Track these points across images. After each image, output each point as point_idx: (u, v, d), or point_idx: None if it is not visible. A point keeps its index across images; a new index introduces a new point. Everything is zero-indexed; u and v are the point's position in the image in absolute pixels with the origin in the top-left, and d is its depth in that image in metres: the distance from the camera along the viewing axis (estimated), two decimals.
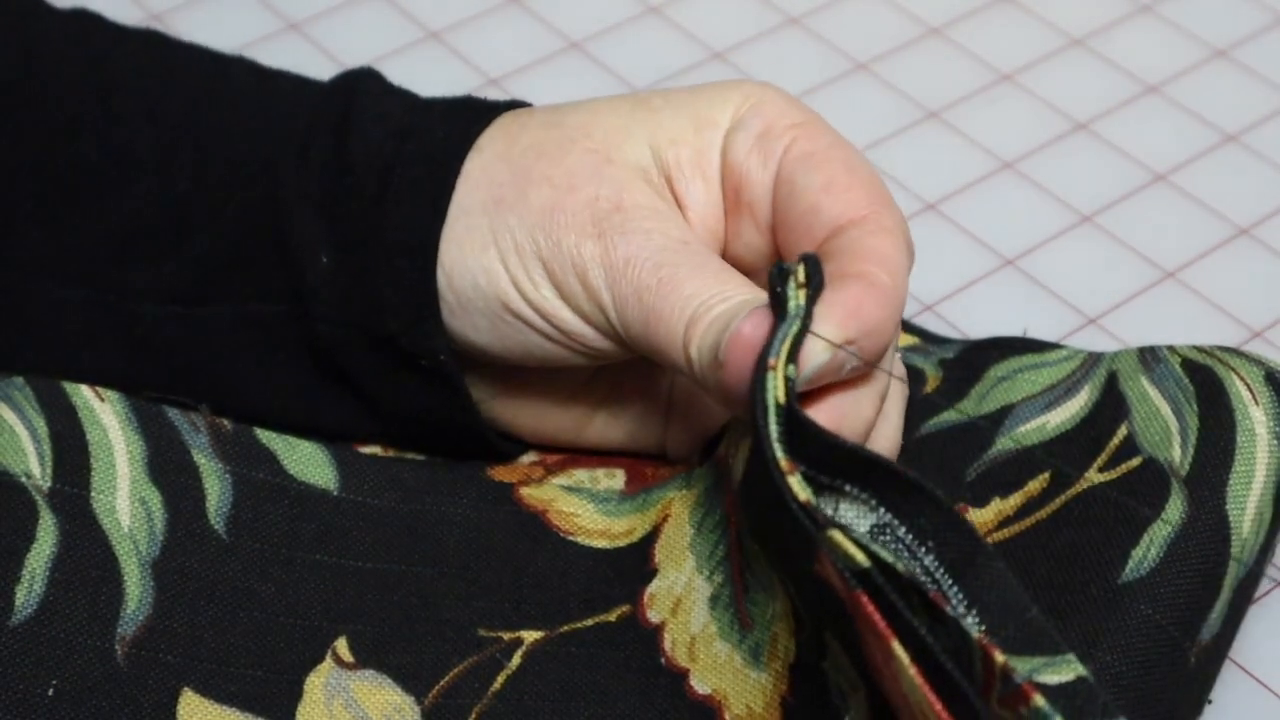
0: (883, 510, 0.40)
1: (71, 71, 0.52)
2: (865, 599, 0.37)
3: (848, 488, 0.40)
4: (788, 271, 0.42)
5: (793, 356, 0.41)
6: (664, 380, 0.51)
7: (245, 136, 0.50)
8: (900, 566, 0.37)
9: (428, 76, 0.68)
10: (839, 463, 0.40)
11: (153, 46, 0.53)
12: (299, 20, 0.71)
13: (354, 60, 0.69)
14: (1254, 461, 0.48)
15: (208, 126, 0.51)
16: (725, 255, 0.49)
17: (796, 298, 0.42)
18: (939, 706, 0.36)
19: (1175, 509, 0.47)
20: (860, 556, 0.38)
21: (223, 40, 0.69)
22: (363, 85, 0.51)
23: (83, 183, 0.51)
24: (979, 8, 0.72)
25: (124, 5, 0.70)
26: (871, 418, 0.45)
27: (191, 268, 0.50)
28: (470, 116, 0.49)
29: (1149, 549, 0.46)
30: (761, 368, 0.41)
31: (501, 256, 0.47)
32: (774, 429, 0.40)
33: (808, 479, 0.39)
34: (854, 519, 0.40)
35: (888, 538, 0.39)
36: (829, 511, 0.40)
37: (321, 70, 0.68)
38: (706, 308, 0.44)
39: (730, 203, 0.48)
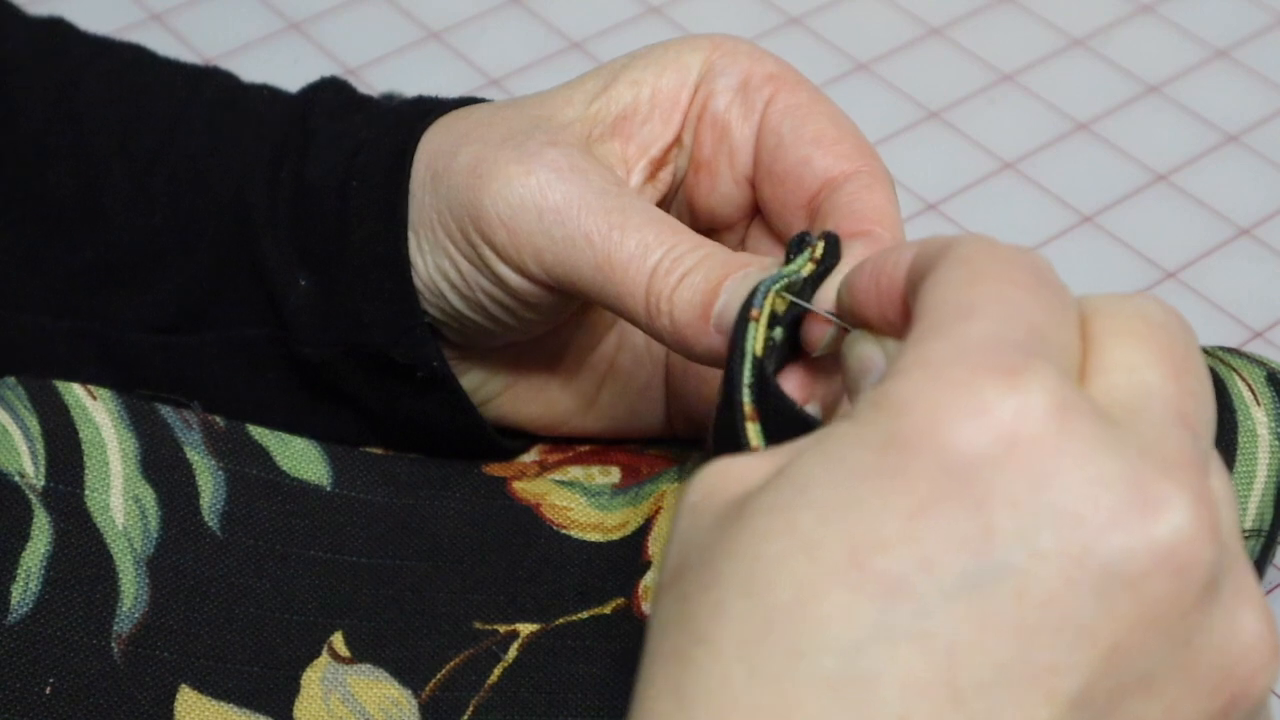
0: None
1: (42, 98, 0.52)
2: None
3: None
4: (807, 245, 0.43)
5: (778, 318, 0.41)
6: (658, 350, 0.51)
7: (217, 163, 0.50)
8: None
9: (428, 76, 0.68)
10: (788, 432, 0.40)
11: (123, 68, 0.53)
12: (299, 20, 0.71)
13: (354, 60, 0.69)
14: (1255, 462, 0.48)
15: (179, 155, 0.50)
16: (699, 207, 0.49)
17: (800, 265, 0.42)
18: None
19: None
20: None
21: (223, 40, 0.70)
22: (322, 102, 0.50)
23: (57, 216, 0.50)
24: (979, 8, 0.71)
25: (124, 5, 0.70)
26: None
27: (173, 296, 0.49)
28: (417, 116, 0.48)
29: None
30: (744, 317, 0.41)
31: (446, 232, 0.46)
32: (747, 375, 0.40)
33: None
34: None
35: None
36: None
37: (321, 71, 0.67)
38: (674, 258, 0.44)
39: (707, 153, 0.48)
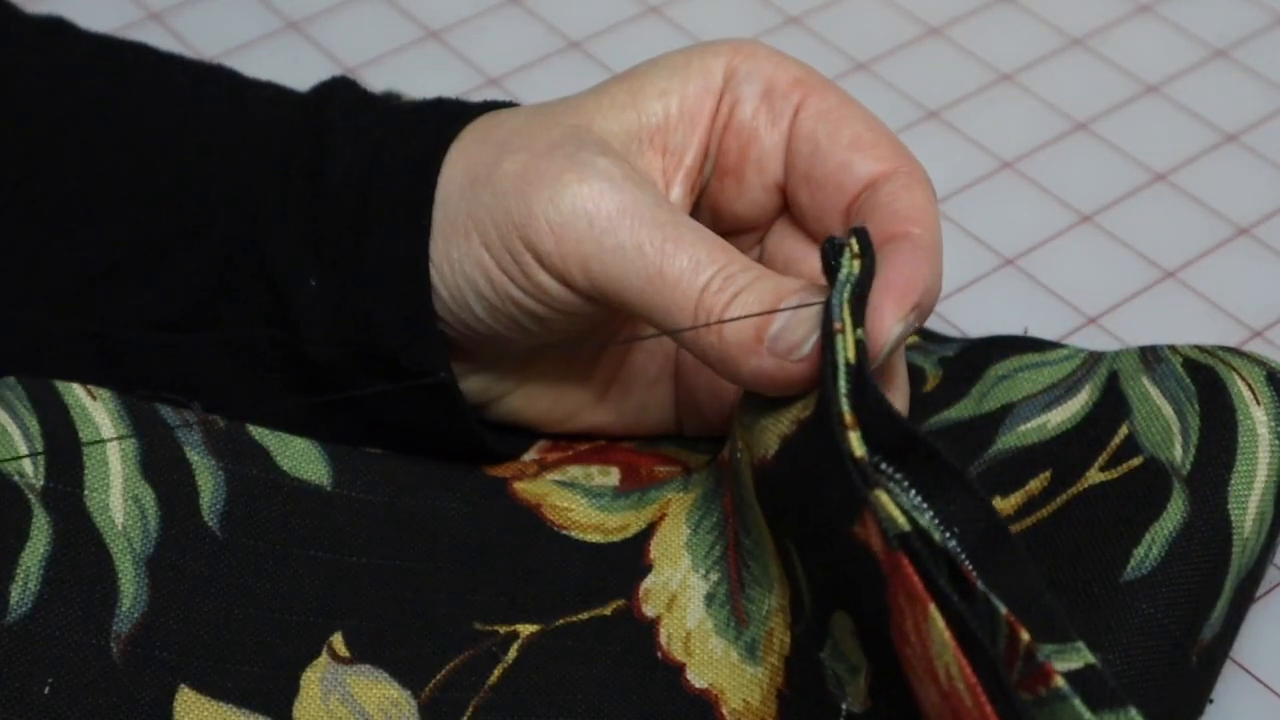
0: (913, 493, 0.40)
1: (44, 96, 0.51)
2: (906, 561, 0.38)
3: (884, 465, 0.40)
4: (842, 245, 0.43)
5: (858, 321, 0.41)
6: (669, 345, 0.51)
7: (222, 161, 0.50)
8: (936, 536, 0.38)
9: (428, 76, 0.68)
10: (882, 437, 0.40)
11: (126, 66, 0.52)
12: (299, 20, 0.71)
13: (354, 60, 0.69)
14: (1256, 461, 0.48)
15: (184, 152, 0.50)
16: (723, 213, 0.49)
17: (850, 266, 0.42)
18: (969, 670, 0.36)
19: (1177, 508, 0.47)
20: (902, 520, 0.38)
21: (223, 40, 0.70)
22: (337, 99, 0.50)
23: (60, 214, 0.50)
24: (979, 8, 0.71)
25: (123, 4, 0.70)
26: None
27: (174, 295, 0.49)
28: (444, 120, 0.48)
29: (1151, 548, 0.46)
30: (828, 332, 0.41)
31: (483, 240, 0.46)
32: (843, 385, 0.40)
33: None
34: None
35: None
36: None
37: (321, 70, 0.68)
38: (727, 277, 0.44)
39: (732, 161, 0.48)
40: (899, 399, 0.47)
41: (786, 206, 0.49)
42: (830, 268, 0.43)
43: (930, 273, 0.44)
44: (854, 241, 0.43)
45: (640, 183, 0.45)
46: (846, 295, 0.42)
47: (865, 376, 0.41)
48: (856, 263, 0.43)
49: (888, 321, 0.43)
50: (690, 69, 0.48)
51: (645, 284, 0.44)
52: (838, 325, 0.41)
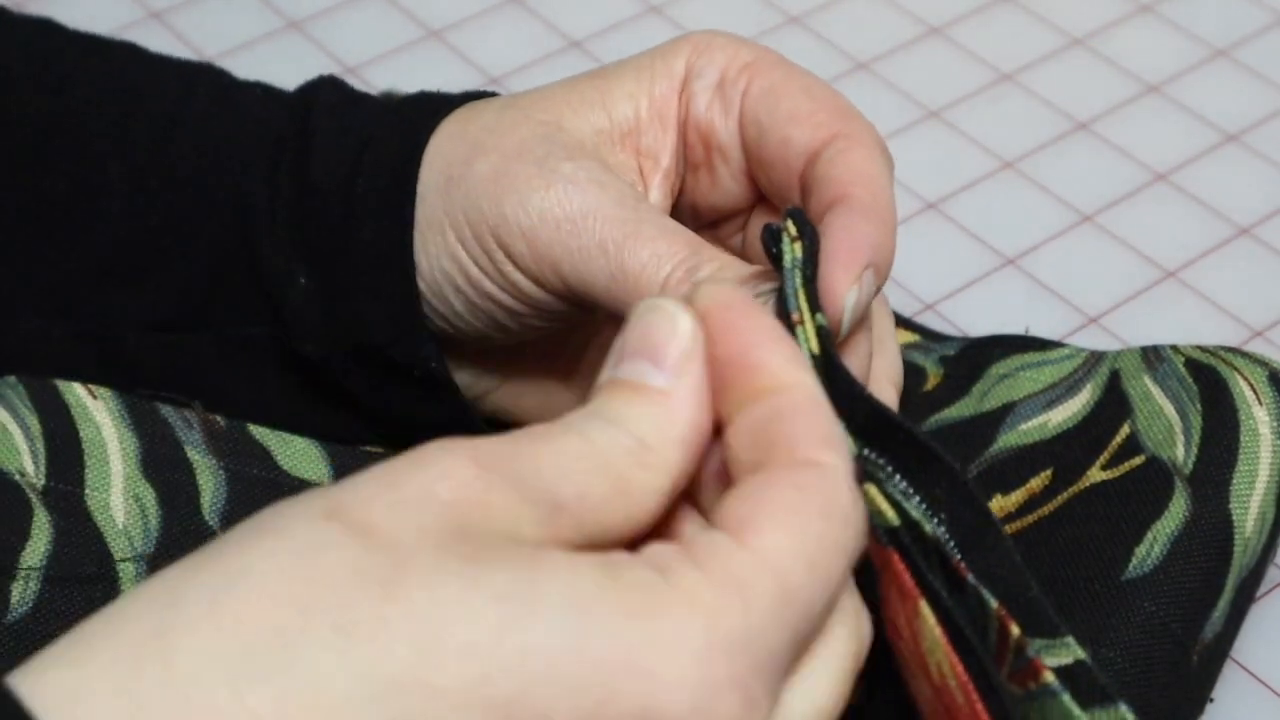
0: (898, 478, 0.39)
1: (36, 101, 0.51)
2: (896, 557, 0.37)
3: (866, 451, 0.40)
4: (778, 230, 0.42)
5: (815, 306, 0.41)
6: None
7: (214, 163, 0.50)
8: (928, 528, 0.38)
9: (428, 76, 0.68)
10: (861, 423, 0.39)
11: (116, 69, 0.52)
12: (299, 19, 0.71)
13: (354, 59, 0.69)
14: (1257, 461, 0.48)
15: (175, 154, 0.50)
16: (702, 206, 0.49)
17: (793, 250, 0.42)
18: (960, 668, 0.36)
19: (1178, 508, 0.47)
20: (891, 514, 0.38)
21: (223, 40, 0.70)
22: (321, 99, 0.50)
23: (53, 217, 0.50)
24: (979, 8, 0.71)
25: (124, 3, 0.70)
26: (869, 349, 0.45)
27: (170, 295, 0.49)
28: (423, 116, 0.48)
29: (1152, 547, 0.46)
30: (787, 325, 0.40)
31: (458, 236, 0.46)
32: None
33: None
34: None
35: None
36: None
37: (321, 70, 0.67)
38: (687, 270, 0.44)
39: (700, 155, 0.48)
40: (891, 377, 0.46)
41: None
42: (773, 256, 0.42)
43: (875, 229, 0.43)
44: (790, 224, 0.42)
45: (605, 182, 0.45)
46: (798, 282, 0.41)
47: (834, 365, 0.40)
48: (797, 245, 0.42)
49: (840, 290, 0.42)
50: (655, 70, 0.48)
51: (610, 282, 0.45)
52: (795, 316, 0.41)
